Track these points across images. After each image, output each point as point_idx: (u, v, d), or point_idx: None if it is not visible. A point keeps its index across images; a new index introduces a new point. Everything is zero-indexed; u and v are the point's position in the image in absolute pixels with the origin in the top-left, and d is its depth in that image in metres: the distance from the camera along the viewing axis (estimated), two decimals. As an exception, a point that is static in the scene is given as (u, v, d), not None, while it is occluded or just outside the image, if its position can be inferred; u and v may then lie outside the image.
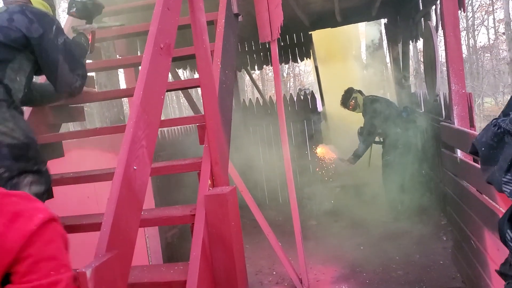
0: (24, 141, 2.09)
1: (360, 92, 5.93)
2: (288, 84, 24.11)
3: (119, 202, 1.53)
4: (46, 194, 2.19)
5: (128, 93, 3.02)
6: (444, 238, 4.86)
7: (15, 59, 2.21)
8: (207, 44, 2.44)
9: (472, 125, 3.96)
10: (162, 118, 2.24)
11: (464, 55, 21.19)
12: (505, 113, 1.36)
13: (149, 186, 4.16)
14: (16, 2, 2.33)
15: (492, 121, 1.34)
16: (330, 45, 11.02)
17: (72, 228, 2.18)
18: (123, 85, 7.81)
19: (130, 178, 1.62)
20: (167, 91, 2.94)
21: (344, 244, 5.09)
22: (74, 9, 2.70)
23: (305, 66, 23.40)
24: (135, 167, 1.65)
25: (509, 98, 1.47)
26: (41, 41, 2.23)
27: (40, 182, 2.14)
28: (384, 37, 9.18)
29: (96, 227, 2.14)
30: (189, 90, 5.44)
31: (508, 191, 1.21)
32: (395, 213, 5.63)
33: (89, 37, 2.72)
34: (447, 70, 3.97)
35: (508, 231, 1.28)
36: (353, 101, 5.84)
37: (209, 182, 2.33)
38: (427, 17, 5.48)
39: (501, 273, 1.28)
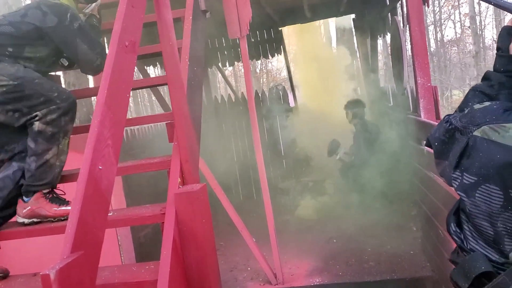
0: (14, 83, 2.29)
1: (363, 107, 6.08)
2: (261, 80, 24.13)
3: (84, 202, 1.51)
4: (71, 112, 2.40)
5: (96, 92, 2.97)
6: (414, 229, 4.98)
7: (33, 44, 2.46)
8: (173, 42, 2.42)
9: (438, 118, 4.06)
10: (134, 116, 2.23)
11: (432, 49, 21.67)
12: (461, 108, 1.40)
13: (119, 186, 4.12)
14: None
15: (444, 117, 1.39)
16: (303, 38, 11.12)
17: (40, 231, 2.14)
18: (92, 84, 7.67)
19: (96, 178, 1.60)
20: (135, 89, 2.92)
21: (317, 237, 5.16)
22: None
23: (277, 62, 23.47)
24: (100, 167, 1.63)
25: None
26: (57, 29, 2.47)
27: (52, 111, 2.32)
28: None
29: (63, 229, 2.11)
30: (159, 87, 5.38)
31: (456, 186, 1.25)
32: (366, 206, 5.73)
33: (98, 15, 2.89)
34: (413, 64, 4.06)
35: (452, 224, 1.33)
36: (353, 111, 6.01)
37: (179, 180, 2.32)
38: (394, 12, 5.58)
39: (451, 261, 1.33)
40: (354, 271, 4.20)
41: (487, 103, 1.27)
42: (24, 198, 2.36)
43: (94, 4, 2.86)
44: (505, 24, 1.42)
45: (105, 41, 5.04)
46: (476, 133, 1.21)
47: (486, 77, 1.44)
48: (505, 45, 1.39)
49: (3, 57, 2.38)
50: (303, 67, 11.56)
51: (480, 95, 1.41)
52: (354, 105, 6.05)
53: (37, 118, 2.32)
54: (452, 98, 20.54)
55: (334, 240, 5.03)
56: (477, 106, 1.28)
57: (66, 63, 2.67)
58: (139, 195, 4.60)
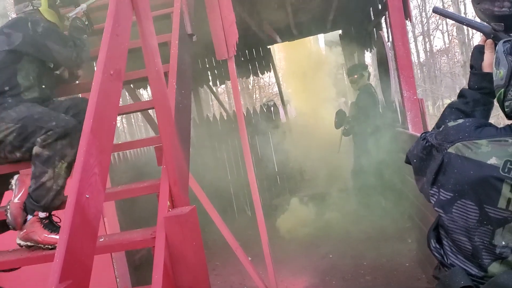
0: (18, 125, 2.38)
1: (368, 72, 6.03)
2: (254, 96, 24.25)
3: (72, 232, 1.52)
4: (68, 137, 2.41)
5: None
6: (409, 241, 4.99)
7: (18, 68, 2.53)
8: (159, 67, 2.46)
9: (425, 130, 4.11)
10: (127, 136, 2.26)
11: (422, 59, 21.81)
12: (438, 125, 1.44)
13: (112, 209, 4.11)
14: (24, 13, 2.73)
15: (421, 134, 1.42)
16: (294, 54, 11.20)
17: (27, 260, 2.14)
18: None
19: (83, 206, 1.61)
20: (123, 114, 2.95)
21: (313, 253, 5.15)
22: (58, 1, 2.95)
23: (269, 78, 23.64)
24: (87, 195, 1.65)
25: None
26: (25, 42, 2.52)
27: (50, 135, 2.36)
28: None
29: (50, 258, 2.12)
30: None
31: (433, 202, 1.28)
32: (361, 219, 5.74)
33: (84, 18, 2.96)
34: (398, 78, 4.13)
35: (432, 240, 1.36)
36: (356, 75, 5.90)
37: (168, 203, 2.33)
38: (379, 27, 5.68)
39: (434, 277, 1.36)
40: (351, 286, 4.19)
41: (460, 121, 1.31)
42: (28, 216, 2.39)
43: (78, 9, 2.95)
44: (477, 43, 1.48)
45: (95, 67, 5.10)
46: (450, 150, 1.25)
47: (461, 95, 1.48)
48: (477, 63, 1.44)
49: (5, 101, 2.48)
50: (293, 82, 11.65)
51: (457, 111, 1.46)
52: (357, 68, 5.98)
53: (36, 143, 2.38)
54: (443, 107, 20.69)
55: (330, 256, 5.02)
56: (451, 123, 1.32)
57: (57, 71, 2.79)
58: (132, 217, 4.60)
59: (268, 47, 7.89)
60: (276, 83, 9.39)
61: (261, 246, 4.07)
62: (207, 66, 7.97)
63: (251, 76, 8.26)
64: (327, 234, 5.65)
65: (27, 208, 2.40)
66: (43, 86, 2.66)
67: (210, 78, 8.02)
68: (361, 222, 5.66)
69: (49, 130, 2.38)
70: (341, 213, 5.99)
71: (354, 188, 6.08)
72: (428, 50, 22.86)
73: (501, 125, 1.25)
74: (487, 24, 1.42)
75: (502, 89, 1.20)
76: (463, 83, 16.84)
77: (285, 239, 5.86)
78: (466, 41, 16.55)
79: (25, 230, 2.36)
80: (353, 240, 5.24)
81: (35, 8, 2.77)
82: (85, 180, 1.65)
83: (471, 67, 1.48)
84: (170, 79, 2.91)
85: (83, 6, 2.99)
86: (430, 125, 4.27)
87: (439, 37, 34.27)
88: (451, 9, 20.80)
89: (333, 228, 5.76)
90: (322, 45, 12.57)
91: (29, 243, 2.37)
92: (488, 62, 1.40)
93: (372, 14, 5.96)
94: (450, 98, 20.49)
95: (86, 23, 2.95)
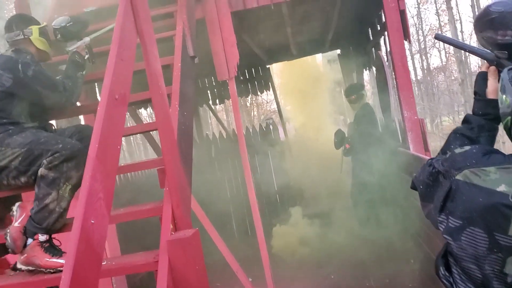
0: (24, 149, 2.39)
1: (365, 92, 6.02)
2: (252, 113, 24.35)
3: (77, 258, 1.51)
4: (75, 160, 2.40)
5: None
6: (412, 261, 4.95)
7: (14, 104, 2.53)
8: (163, 90, 2.47)
9: (426, 150, 4.12)
10: (125, 155, 2.26)
11: (419, 77, 22.01)
12: (443, 151, 1.44)
13: (113, 231, 4.09)
14: (14, 43, 2.72)
15: (428, 160, 1.43)
16: (293, 70, 11.29)
17: (28, 284, 2.12)
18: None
19: (88, 232, 1.61)
20: (125, 136, 2.96)
21: (314, 274, 5.10)
22: (59, 36, 2.93)
23: (267, 96, 23.76)
24: (93, 221, 1.64)
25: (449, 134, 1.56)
26: (15, 85, 2.50)
27: (56, 157, 2.36)
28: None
29: (52, 282, 2.10)
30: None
31: (442, 229, 1.28)
32: (362, 239, 5.70)
33: (85, 51, 2.90)
34: (398, 98, 4.15)
35: (441, 267, 1.35)
36: (354, 96, 5.89)
37: (171, 226, 2.32)
38: (377, 47, 5.73)
39: None
40: (353, 307, 4.15)
41: (467, 147, 1.31)
42: (28, 240, 2.37)
43: (80, 43, 2.90)
44: (480, 70, 1.49)
45: (96, 89, 5.14)
46: (458, 177, 1.25)
47: (466, 120, 1.49)
48: (481, 90, 1.45)
49: (9, 128, 2.48)
50: (292, 99, 11.71)
51: (461, 137, 1.46)
52: (355, 89, 5.99)
53: (42, 165, 2.38)
54: (442, 125, 20.80)
55: (332, 276, 4.98)
56: (457, 150, 1.32)
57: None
58: (133, 240, 4.56)
59: (268, 66, 7.95)
60: (275, 101, 9.43)
61: (261, 266, 4.04)
62: (207, 85, 8.02)
63: (250, 95, 8.30)
64: (328, 254, 5.60)
65: (27, 232, 2.38)
66: (42, 116, 2.68)
67: (210, 97, 8.06)
68: (363, 242, 5.62)
69: (56, 152, 2.38)
70: (342, 232, 5.95)
71: (354, 208, 6.05)
72: (425, 67, 23.09)
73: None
74: (490, 51, 1.43)
75: (509, 117, 1.21)
76: (461, 101, 16.95)
77: (285, 259, 5.81)
78: (463, 59, 16.71)
79: (26, 255, 2.35)
80: (355, 260, 5.20)
81: (26, 37, 2.74)
82: (90, 205, 1.64)
83: (475, 93, 1.49)
84: (173, 101, 2.93)
85: (86, 39, 2.94)
86: (432, 142, 4.29)
87: (435, 55, 34.73)
88: (447, 28, 21.11)
89: (335, 248, 5.72)
90: (320, 59, 12.64)
91: (30, 268, 2.35)
92: (491, 88, 1.41)
93: (370, 34, 6.03)
94: (448, 115, 20.62)
95: (87, 56, 2.92)
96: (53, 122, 3.00)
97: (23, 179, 2.44)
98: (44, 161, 2.37)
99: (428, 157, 3.58)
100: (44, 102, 2.61)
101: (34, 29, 2.77)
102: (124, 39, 2.13)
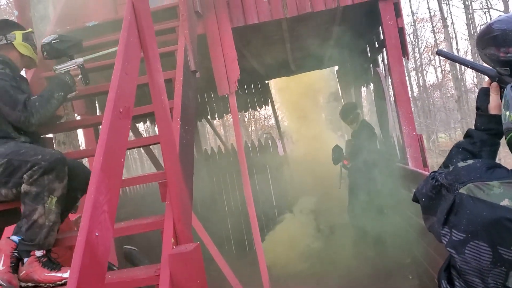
0: (5, 160, 2.35)
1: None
2: (250, 128, 24.41)
3: (81, 271, 1.51)
4: (55, 171, 2.35)
5: (89, 153, 3.02)
6: (410, 277, 4.93)
7: None
8: (166, 104, 2.50)
9: (425, 165, 4.14)
10: (123, 174, 2.26)
11: (415, 94, 22.16)
12: (445, 164, 1.46)
13: (112, 244, 4.06)
14: None
15: (430, 173, 1.44)
16: (291, 84, 11.35)
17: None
18: (81, 139, 7.71)
19: (92, 245, 1.61)
20: (129, 149, 2.97)
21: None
22: (45, 53, 2.80)
23: (265, 111, 23.87)
24: (97, 233, 1.64)
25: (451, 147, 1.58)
26: None
27: (35, 171, 2.32)
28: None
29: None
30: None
31: (445, 243, 1.29)
32: (361, 255, 5.69)
33: (78, 72, 2.78)
34: (397, 115, 4.19)
35: (443, 281, 1.36)
36: (351, 117, 5.91)
37: (172, 240, 2.32)
38: (375, 63, 5.80)
39: None
40: (352, 323, 4.12)
41: (470, 161, 1.33)
42: (24, 259, 2.34)
43: (71, 62, 2.78)
44: (482, 86, 1.52)
45: (96, 102, 5.16)
46: (462, 190, 1.26)
47: (468, 135, 1.51)
48: (483, 105, 1.47)
49: None
50: (289, 114, 11.76)
51: (464, 152, 1.48)
52: (350, 110, 6.00)
53: (24, 181, 2.34)
54: (438, 142, 20.91)
55: (330, 292, 4.96)
56: (461, 164, 1.34)
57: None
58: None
59: (267, 82, 8.01)
60: (273, 116, 9.48)
61: (260, 281, 4.02)
62: (206, 100, 8.06)
63: (249, 110, 8.34)
64: (326, 270, 5.57)
65: (21, 253, 2.35)
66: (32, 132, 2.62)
67: (209, 112, 8.10)
68: (361, 258, 5.60)
69: (34, 164, 2.33)
70: (340, 248, 5.93)
71: (353, 223, 6.04)
72: (421, 84, 23.30)
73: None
74: (491, 68, 1.46)
75: None
76: (458, 117, 17.06)
77: (283, 274, 5.78)
78: (459, 76, 16.88)
79: (24, 271, 2.32)
80: (353, 276, 5.17)
81: (9, 42, 2.65)
82: (95, 218, 1.65)
83: (477, 108, 1.51)
84: (175, 115, 2.95)
85: (79, 60, 2.80)
86: (430, 158, 4.31)
87: (431, 72, 35.05)
88: (443, 45, 21.35)
89: (333, 263, 5.69)
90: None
91: (29, 284, 2.33)
92: (494, 104, 1.44)
93: (368, 51, 6.09)
94: (444, 132, 20.73)
95: (79, 77, 2.79)
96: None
97: (3, 191, 2.40)
98: (25, 175, 2.33)
99: (427, 173, 3.61)
100: (7, 118, 2.50)
101: (18, 34, 2.67)
102: (128, 53, 2.15)
